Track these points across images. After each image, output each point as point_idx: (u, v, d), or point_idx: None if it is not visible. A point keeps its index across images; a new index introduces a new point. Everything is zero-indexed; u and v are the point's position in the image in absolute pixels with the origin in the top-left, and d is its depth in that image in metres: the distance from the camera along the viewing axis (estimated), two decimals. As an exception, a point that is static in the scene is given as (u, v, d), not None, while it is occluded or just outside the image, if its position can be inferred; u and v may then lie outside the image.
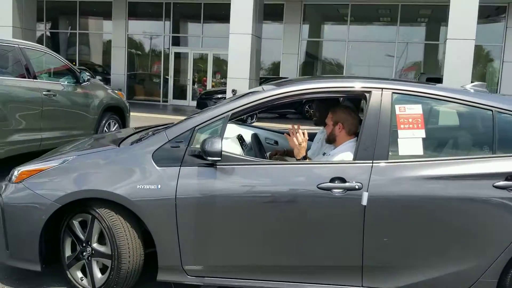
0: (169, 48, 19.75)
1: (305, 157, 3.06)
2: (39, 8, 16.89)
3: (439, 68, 17.35)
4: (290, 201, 2.74)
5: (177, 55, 19.86)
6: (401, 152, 2.78)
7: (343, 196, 2.68)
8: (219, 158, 2.65)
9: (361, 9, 17.72)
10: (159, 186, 2.72)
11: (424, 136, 2.79)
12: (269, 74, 18.18)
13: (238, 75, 12.58)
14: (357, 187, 2.67)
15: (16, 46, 5.79)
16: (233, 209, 2.75)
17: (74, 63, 19.52)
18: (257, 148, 3.57)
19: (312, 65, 19.14)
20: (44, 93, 5.93)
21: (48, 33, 21.62)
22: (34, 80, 5.87)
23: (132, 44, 20.45)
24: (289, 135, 3.12)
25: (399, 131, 2.79)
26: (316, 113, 3.91)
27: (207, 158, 2.67)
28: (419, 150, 2.79)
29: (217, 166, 2.73)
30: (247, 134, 4.18)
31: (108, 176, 2.81)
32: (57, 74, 6.71)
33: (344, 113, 3.18)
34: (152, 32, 20.33)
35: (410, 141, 2.79)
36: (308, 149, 3.80)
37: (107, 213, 2.80)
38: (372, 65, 18.08)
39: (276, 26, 18.25)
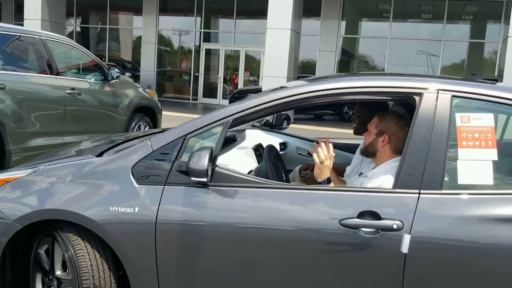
0: (199, 45, 19.14)
1: (328, 180, 2.39)
2: (69, 3, 16.52)
3: (485, 68, 16.23)
4: (301, 240, 2.08)
5: (208, 52, 19.25)
6: (462, 180, 2.07)
7: (374, 237, 2.01)
8: (204, 180, 2.09)
9: (403, 5, 16.69)
10: (136, 210, 2.19)
11: (495, 158, 2.05)
12: (303, 73, 17.30)
13: (275, 73, 11.76)
14: (395, 226, 2.00)
15: (36, 37, 5.10)
16: (227, 245, 2.16)
17: (103, 59, 19.17)
18: (269, 164, 2.85)
19: (351, 63, 18.19)
20: (67, 91, 5.24)
21: (78, 28, 21.34)
22: (57, 76, 5.19)
23: (162, 40, 19.98)
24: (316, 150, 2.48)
25: (460, 150, 2.08)
26: (356, 119, 3.10)
27: (191, 178, 2.11)
28: (488, 178, 2.05)
29: (210, 187, 2.16)
30: (274, 143, 3.53)
31: (77, 194, 2.29)
32: (83, 70, 6.08)
33: (394, 123, 2.41)
34: (183, 28, 19.80)
35: (475, 165, 2.06)
36: (349, 164, 3.16)
37: (72, 238, 2.28)
38: (414, 64, 17.02)
39: (313, 22, 17.35)
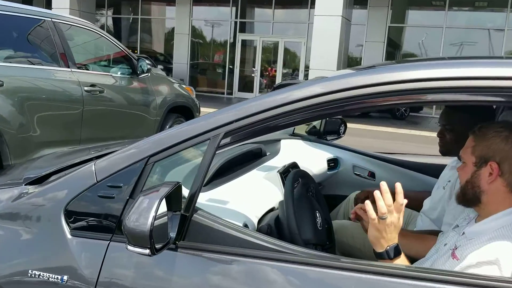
0: (235, 35, 18.10)
1: (396, 251, 1.33)
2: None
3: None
4: None
5: (244, 43, 18.22)
6: None
7: None
8: (146, 251, 1.19)
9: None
10: (65, 279, 1.38)
11: None
12: (348, 67, 15.98)
13: (323, 66, 10.52)
14: None
15: (47, 20, 4.04)
16: None
17: (135, 51, 18.43)
18: (293, 209, 1.66)
19: (399, 55, 16.76)
20: (86, 88, 4.21)
21: (109, 19, 20.66)
22: (73, 70, 4.14)
23: (196, 31, 19.08)
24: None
25: None
26: (444, 132, 2.07)
27: (126, 246, 1.22)
28: None
29: (180, 250, 1.31)
30: (317, 160, 2.66)
31: None
32: (108, 62, 5.04)
33: (505, 139, 1.35)
34: (218, 18, 18.83)
35: None
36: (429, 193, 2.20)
37: None
38: (472, 55, 15.45)
39: (359, 11, 15.98)
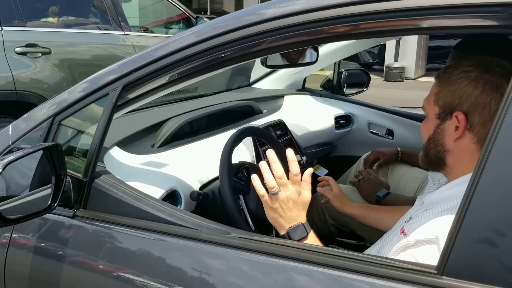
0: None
1: (299, 232, 1.08)
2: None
3: None
4: None
5: None
6: None
7: None
8: None
9: None
10: None
11: None
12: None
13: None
14: None
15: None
16: None
17: (202, 12, 18.30)
18: (227, 181, 1.48)
19: None
20: (141, 52, 4.01)
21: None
22: (126, 33, 3.95)
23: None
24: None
25: None
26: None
27: None
28: None
29: (76, 218, 1.21)
30: (327, 115, 2.47)
31: None
32: (165, 24, 4.84)
33: (474, 81, 0.99)
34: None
35: None
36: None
37: None
38: None
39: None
